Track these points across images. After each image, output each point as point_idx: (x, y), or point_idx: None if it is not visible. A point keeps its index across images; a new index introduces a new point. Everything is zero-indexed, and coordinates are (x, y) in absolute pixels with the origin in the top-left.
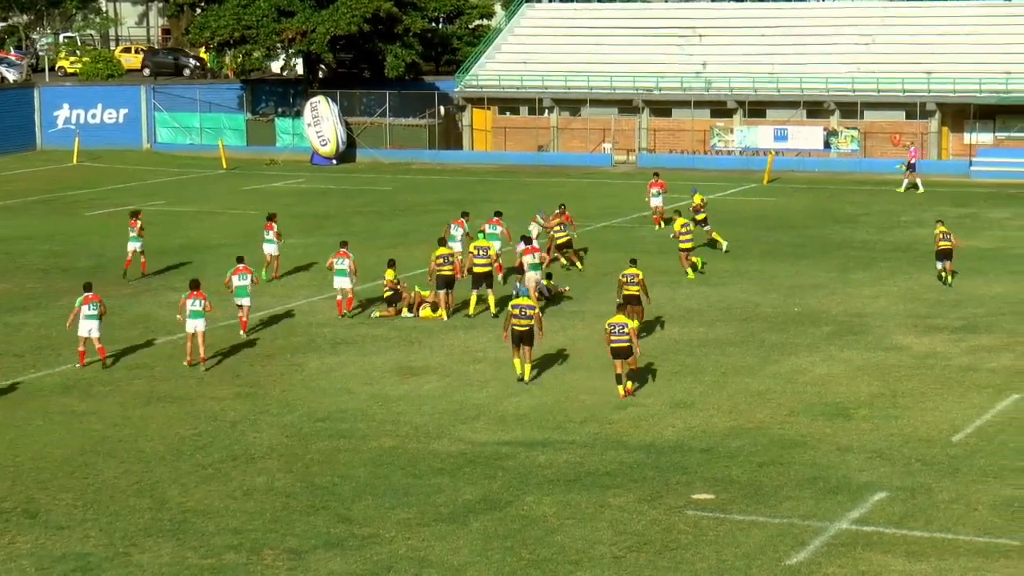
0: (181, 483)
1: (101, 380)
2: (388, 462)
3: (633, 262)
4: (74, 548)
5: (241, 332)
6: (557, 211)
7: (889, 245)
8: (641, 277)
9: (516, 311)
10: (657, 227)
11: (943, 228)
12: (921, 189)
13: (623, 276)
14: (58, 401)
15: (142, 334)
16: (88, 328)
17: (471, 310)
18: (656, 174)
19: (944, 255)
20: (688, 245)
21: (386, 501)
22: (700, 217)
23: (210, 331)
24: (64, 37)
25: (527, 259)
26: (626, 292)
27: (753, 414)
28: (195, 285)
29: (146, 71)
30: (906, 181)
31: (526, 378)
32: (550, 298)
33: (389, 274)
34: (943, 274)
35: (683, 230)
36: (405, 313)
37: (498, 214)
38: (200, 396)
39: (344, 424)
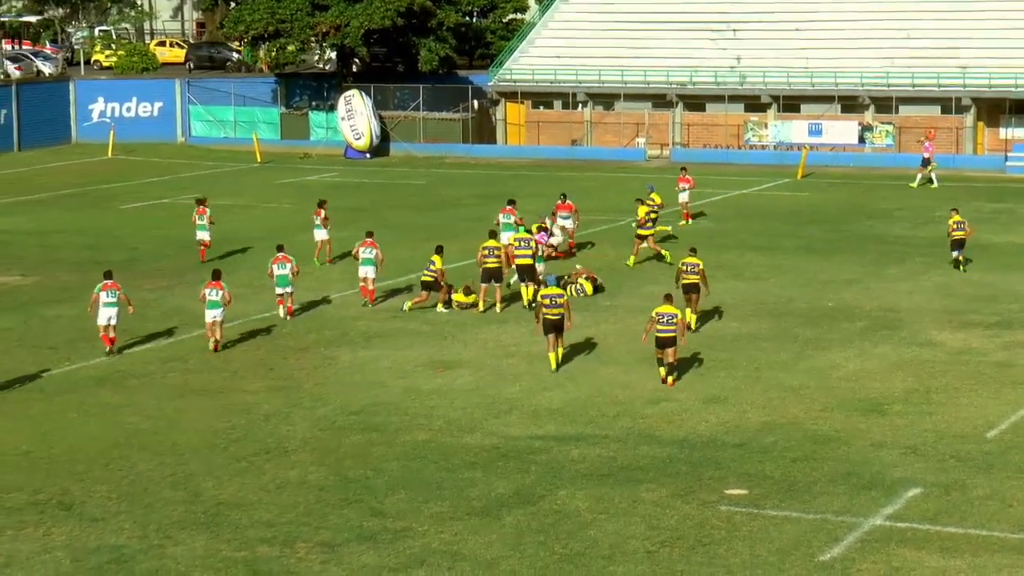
0: (215, 476)
1: (135, 373)
2: (421, 456)
3: (693, 251)
4: (108, 540)
5: (285, 316)
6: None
7: (924, 240)
8: (702, 267)
9: (547, 301)
10: (685, 222)
11: (958, 217)
12: (916, 185)
13: (683, 264)
14: (92, 394)
15: (176, 327)
16: (108, 316)
17: (525, 301)
18: (684, 169)
19: (958, 244)
20: (647, 232)
21: (419, 495)
22: (653, 216)
23: (244, 324)
24: (99, 31)
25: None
26: (685, 281)
27: (787, 409)
28: (216, 275)
29: (189, 65)
30: (932, 175)
31: (559, 365)
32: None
33: (438, 261)
34: (959, 262)
35: (646, 218)
36: (440, 308)
37: (511, 202)
38: (234, 389)
39: (377, 418)
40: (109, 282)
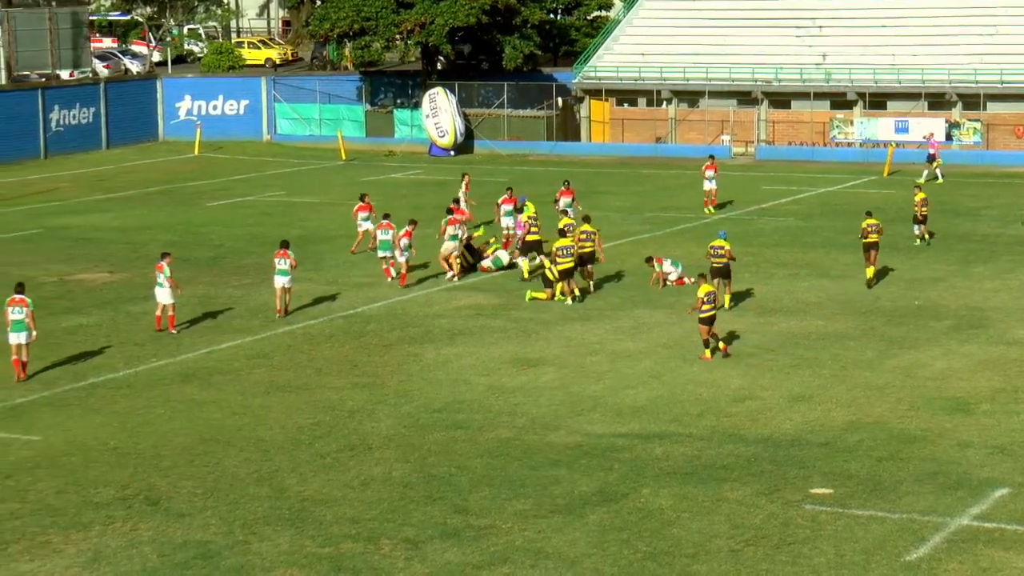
0: (299, 472)
1: (221, 369)
2: (504, 453)
3: (869, 214)
4: (195, 536)
5: (389, 279)
6: (563, 188)
7: (1011, 239)
8: (881, 225)
9: (712, 251)
10: (708, 210)
11: (923, 195)
12: (923, 180)
13: (867, 225)
14: (178, 390)
15: (262, 324)
16: (162, 296)
17: (526, 273)
18: (712, 157)
19: (922, 220)
20: (535, 237)
21: (502, 492)
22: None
23: (328, 322)
24: (187, 29)
25: (450, 230)
26: (868, 240)
27: (872, 408)
28: (284, 245)
29: (314, 63)
30: (937, 172)
31: (726, 306)
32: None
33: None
34: (923, 238)
35: (532, 223)
36: (569, 301)
37: (566, 183)
38: (319, 386)
39: (461, 415)
40: (162, 262)
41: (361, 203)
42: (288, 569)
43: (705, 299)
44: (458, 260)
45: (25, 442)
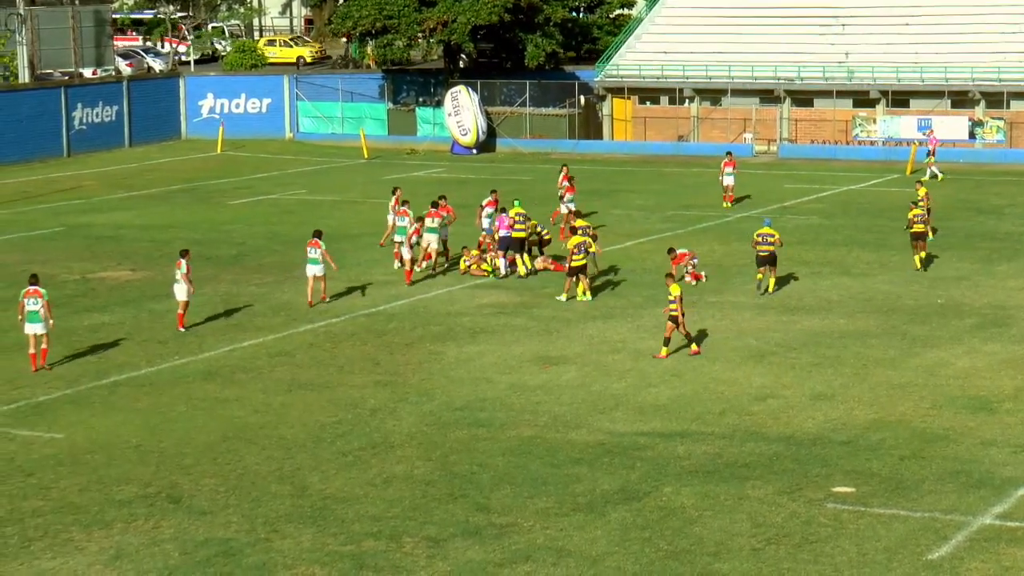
0: (321, 470)
1: (243, 367)
2: (526, 451)
3: (914, 204)
4: (216, 533)
5: (397, 265)
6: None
7: None
8: (927, 216)
9: (760, 239)
10: (725, 205)
11: (924, 190)
12: (940, 177)
13: (913, 216)
14: (201, 388)
15: (284, 322)
16: (179, 292)
17: (522, 271)
18: (729, 153)
19: (918, 236)
20: (521, 235)
21: (524, 490)
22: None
23: (350, 320)
24: (211, 27)
25: (428, 222)
26: (914, 230)
27: (895, 407)
28: (316, 234)
29: (342, 59)
30: (935, 169)
31: (770, 290)
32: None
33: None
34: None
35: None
36: (576, 297)
37: (568, 173)
38: (340, 384)
39: (483, 413)
40: (183, 259)
41: (394, 196)
42: (310, 567)
43: (678, 298)
44: (438, 251)
45: (48, 440)
